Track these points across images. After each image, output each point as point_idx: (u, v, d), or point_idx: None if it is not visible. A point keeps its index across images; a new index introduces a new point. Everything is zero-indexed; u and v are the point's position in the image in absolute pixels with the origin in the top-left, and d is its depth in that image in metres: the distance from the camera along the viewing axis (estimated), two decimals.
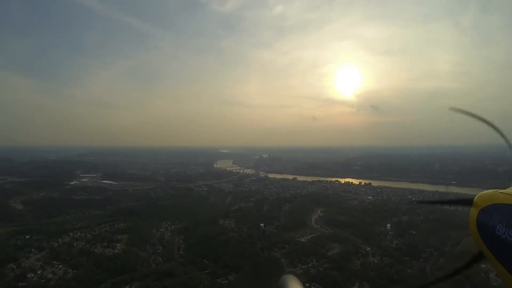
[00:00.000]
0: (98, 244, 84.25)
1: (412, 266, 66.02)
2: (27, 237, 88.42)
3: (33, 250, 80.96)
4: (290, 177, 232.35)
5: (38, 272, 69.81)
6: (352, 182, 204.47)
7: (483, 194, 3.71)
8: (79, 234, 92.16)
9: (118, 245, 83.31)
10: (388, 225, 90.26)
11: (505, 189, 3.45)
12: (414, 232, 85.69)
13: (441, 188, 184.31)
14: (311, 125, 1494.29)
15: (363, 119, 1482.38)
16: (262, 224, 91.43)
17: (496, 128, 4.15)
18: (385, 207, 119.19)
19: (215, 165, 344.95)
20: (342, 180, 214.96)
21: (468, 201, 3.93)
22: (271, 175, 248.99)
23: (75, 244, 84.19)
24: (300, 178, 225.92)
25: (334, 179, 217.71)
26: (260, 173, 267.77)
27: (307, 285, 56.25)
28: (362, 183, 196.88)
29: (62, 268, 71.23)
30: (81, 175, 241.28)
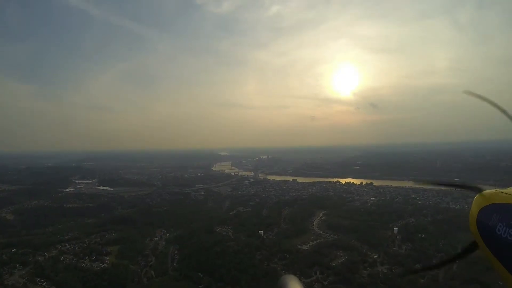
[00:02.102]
0: (87, 257, 79.09)
1: (424, 275, 60.94)
2: (13, 250, 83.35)
3: (17, 265, 75.96)
4: (290, 178, 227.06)
5: None
6: (353, 182, 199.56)
7: (484, 194, 3.70)
8: (67, 246, 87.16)
9: (108, 258, 78.19)
10: (395, 228, 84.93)
11: (505, 188, 3.50)
12: (422, 235, 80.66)
13: (443, 186, 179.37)
14: (310, 125, 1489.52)
15: (362, 118, 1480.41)
16: (261, 232, 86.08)
17: (505, 112, 4.12)
18: (389, 208, 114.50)
19: (213, 168, 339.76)
20: (343, 181, 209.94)
21: (474, 188, 3.93)
22: (270, 177, 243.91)
23: (62, 258, 79.06)
24: (300, 179, 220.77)
25: (334, 180, 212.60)
26: (259, 175, 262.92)
27: None
28: (364, 183, 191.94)
29: (46, 286, 66.16)
30: (77, 181, 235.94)
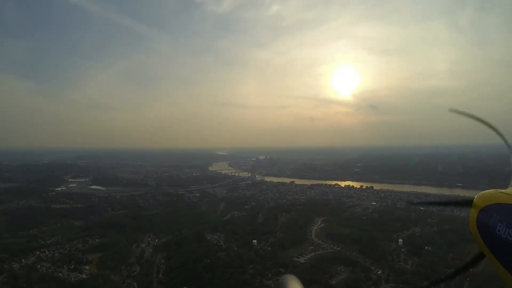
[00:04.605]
0: (65, 266, 72.95)
1: None
2: None
3: None
4: (288, 180, 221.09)
5: None
6: (353, 186, 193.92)
7: (483, 194, 3.72)
8: (47, 253, 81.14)
9: (87, 268, 72.07)
10: (400, 240, 78.76)
11: (505, 189, 3.53)
12: (429, 248, 74.69)
13: (446, 191, 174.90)
14: (308, 125, 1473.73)
15: (362, 119, 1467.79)
16: (254, 241, 79.87)
17: (494, 129, 4.21)
18: (392, 215, 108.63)
19: (210, 168, 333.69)
20: (342, 184, 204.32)
21: (467, 202, 3.89)
22: (268, 178, 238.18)
23: (38, 267, 73.02)
24: (298, 181, 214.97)
25: (334, 183, 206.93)
26: (257, 176, 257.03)
27: None
28: (364, 187, 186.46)
29: None
30: (70, 180, 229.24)
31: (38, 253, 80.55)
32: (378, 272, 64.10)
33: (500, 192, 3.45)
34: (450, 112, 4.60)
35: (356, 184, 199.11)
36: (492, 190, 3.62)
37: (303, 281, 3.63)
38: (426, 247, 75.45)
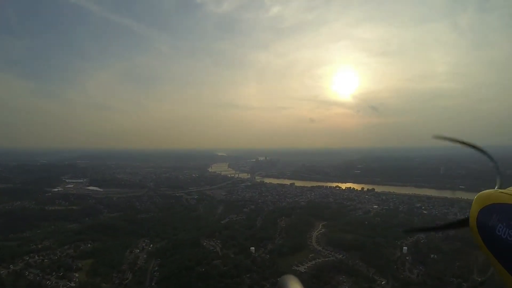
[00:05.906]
0: (54, 273, 69.74)
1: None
2: None
3: None
4: (288, 182, 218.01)
5: None
6: (353, 188, 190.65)
7: (483, 194, 3.68)
8: (36, 258, 78.02)
9: (77, 275, 68.92)
10: (405, 247, 75.47)
11: (505, 188, 3.49)
12: (435, 256, 71.32)
13: (448, 194, 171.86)
14: (309, 126, 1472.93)
15: (362, 120, 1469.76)
16: (252, 248, 76.51)
17: (479, 149, 4.24)
18: (395, 220, 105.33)
19: (209, 169, 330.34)
20: (343, 186, 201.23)
21: (464, 222, 3.82)
22: (267, 180, 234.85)
23: (27, 273, 69.91)
24: (298, 183, 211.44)
25: (334, 185, 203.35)
26: (256, 177, 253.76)
27: None
28: (365, 189, 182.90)
29: None
30: (67, 180, 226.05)
31: (28, 258, 77.60)
32: (382, 283, 60.87)
33: (500, 192, 3.34)
34: (434, 138, 4.58)
35: (357, 186, 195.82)
36: (492, 190, 3.52)
37: None
38: (432, 255, 72.17)
